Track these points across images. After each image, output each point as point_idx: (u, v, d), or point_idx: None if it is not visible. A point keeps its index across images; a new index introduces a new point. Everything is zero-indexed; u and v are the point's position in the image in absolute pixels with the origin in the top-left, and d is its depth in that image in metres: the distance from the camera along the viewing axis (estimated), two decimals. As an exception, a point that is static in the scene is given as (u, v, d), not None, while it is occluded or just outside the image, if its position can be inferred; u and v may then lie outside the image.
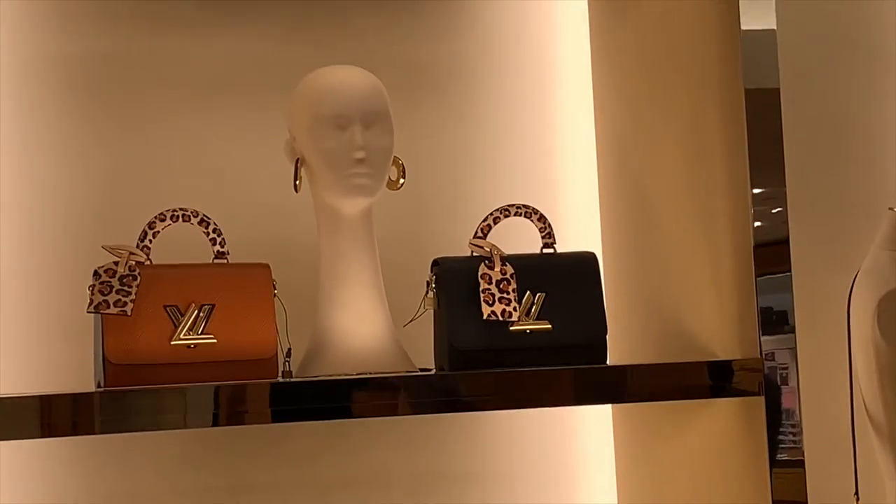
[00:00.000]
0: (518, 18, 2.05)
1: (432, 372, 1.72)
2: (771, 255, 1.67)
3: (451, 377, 1.64)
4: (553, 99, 2.06)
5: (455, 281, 1.70)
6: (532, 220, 1.76)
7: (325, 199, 1.74)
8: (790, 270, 1.67)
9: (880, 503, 1.71)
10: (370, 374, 1.65)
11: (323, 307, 1.74)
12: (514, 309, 1.68)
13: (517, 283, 1.70)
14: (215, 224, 1.68)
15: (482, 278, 1.69)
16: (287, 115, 1.77)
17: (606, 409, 2.02)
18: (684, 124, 1.81)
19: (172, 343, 1.59)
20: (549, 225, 1.76)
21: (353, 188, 1.71)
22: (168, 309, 1.60)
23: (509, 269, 1.70)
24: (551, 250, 1.76)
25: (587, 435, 2.03)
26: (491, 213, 1.75)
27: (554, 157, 2.05)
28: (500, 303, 1.68)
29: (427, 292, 1.72)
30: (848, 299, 1.67)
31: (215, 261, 1.67)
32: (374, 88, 1.74)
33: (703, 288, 1.77)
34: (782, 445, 1.64)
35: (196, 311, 1.61)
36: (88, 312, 1.58)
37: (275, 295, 1.65)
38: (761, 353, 1.65)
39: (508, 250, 1.72)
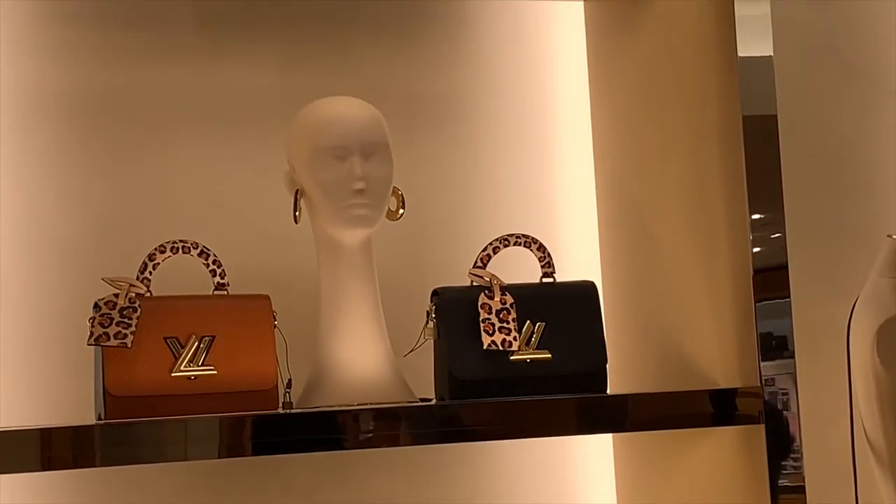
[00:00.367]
0: (517, 49, 2.06)
1: (433, 402, 1.72)
2: (770, 280, 1.67)
3: (451, 407, 1.64)
4: (552, 128, 2.07)
5: (455, 311, 1.70)
6: (531, 250, 1.77)
7: (324, 230, 1.74)
8: (789, 296, 1.67)
9: (882, 530, 1.71)
10: (371, 404, 1.65)
11: (323, 338, 1.74)
12: (515, 338, 1.69)
13: (517, 313, 1.70)
14: (215, 256, 1.68)
15: (482, 308, 1.69)
16: (286, 146, 1.78)
17: (607, 437, 2.02)
18: (682, 151, 1.82)
19: (173, 375, 1.59)
20: (549, 254, 1.77)
21: (353, 219, 1.71)
22: (168, 341, 1.60)
23: (509, 299, 1.70)
24: (551, 279, 1.76)
25: (588, 464, 2.02)
26: (490, 243, 1.75)
27: (553, 186, 2.06)
28: (501, 332, 1.68)
29: (427, 322, 1.72)
30: (847, 326, 1.67)
31: (215, 292, 1.68)
32: (373, 119, 1.75)
33: (703, 314, 1.77)
34: (783, 472, 1.64)
35: (196, 343, 1.61)
36: (89, 345, 1.58)
37: (275, 326, 1.66)
38: (761, 381, 1.65)
39: (508, 280, 1.72)
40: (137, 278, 1.65)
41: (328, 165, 1.71)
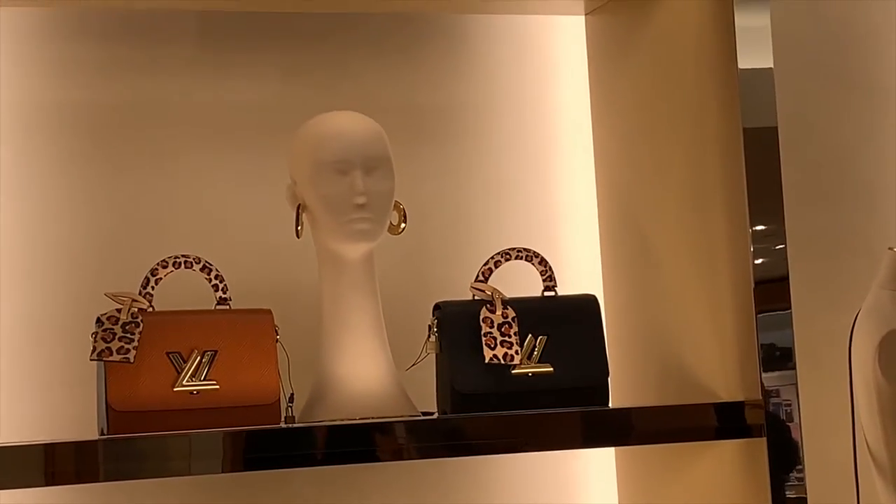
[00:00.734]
0: (518, 62, 2.06)
1: (435, 415, 1.72)
2: (771, 292, 1.67)
3: (453, 421, 1.64)
4: (553, 141, 2.07)
5: (457, 325, 1.70)
6: (533, 264, 1.77)
7: (326, 244, 1.74)
8: (790, 308, 1.67)
9: (885, 542, 1.71)
10: (373, 418, 1.65)
11: (325, 352, 1.74)
12: (516, 352, 1.69)
13: (518, 327, 1.70)
14: (217, 270, 1.69)
15: (484, 322, 1.69)
16: (288, 160, 1.78)
17: (609, 451, 2.02)
18: (683, 163, 1.82)
19: (175, 389, 1.59)
20: (550, 268, 1.77)
21: (355, 233, 1.71)
22: (171, 356, 1.61)
23: (511, 313, 1.70)
24: (552, 293, 1.76)
25: (590, 477, 2.02)
26: (492, 257, 1.76)
27: (554, 199, 2.06)
28: (502, 346, 1.68)
29: (429, 336, 1.72)
30: (849, 338, 1.66)
31: (217, 307, 1.68)
32: (375, 133, 1.75)
33: (704, 326, 1.77)
34: (785, 484, 1.64)
35: (199, 358, 1.61)
36: (91, 360, 1.58)
37: (277, 340, 1.66)
38: (763, 394, 1.65)
39: (510, 293, 1.72)
40: (140, 293, 1.65)
41: (330, 180, 1.72)
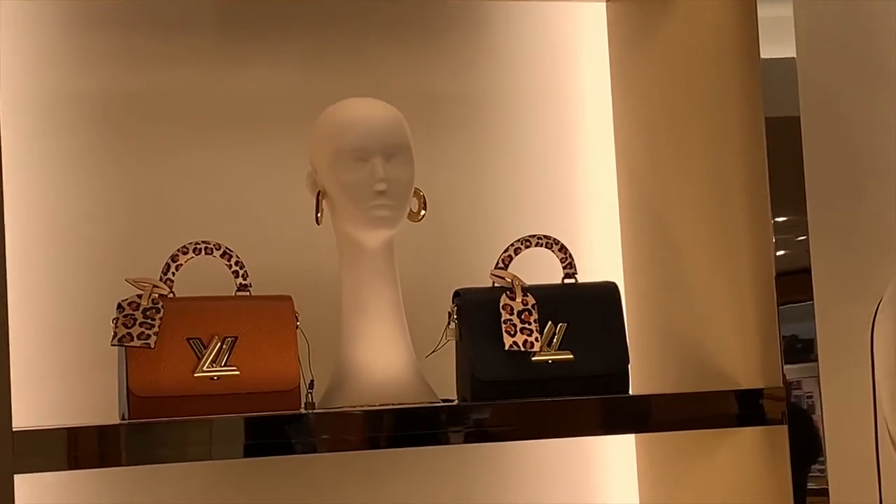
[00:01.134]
0: (538, 49, 2.06)
1: (455, 402, 1.72)
2: (793, 283, 1.67)
3: (473, 408, 1.64)
4: (574, 129, 2.07)
5: (476, 312, 1.70)
6: (553, 251, 1.77)
7: (346, 232, 1.74)
8: (812, 299, 1.67)
9: (905, 532, 1.70)
10: (392, 405, 1.66)
11: (345, 339, 1.74)
12: (536, 339, 1.69)
13: (539, 314, 1.70)
14: (238, 257, 1.69)
15: (504, 309, 1.69)
16: (308, 147, 1.78)
17: (629, 438, 2.02)
18: (705, 153, 1.82)
19: (196, 375, 1.60)
20: (570, 255, 1.77)
21: (375, 220, 1.71)
22: (191, 341, 1.61)
23: (531, 300, 1.70)
24: (572, 280, 1.76)
25: (610, 464, 2.02)
26: (512, 244, 1.76)
27: (575, 187, 2.06)
28: (522, 333, 1.68)
29: (449, 323, 1.72)
30: (871, 329, 1.66)
31: (238, 293, 1.68)
32: (395, 120, 1.75)
33: (725, 317, 1.77)
34: (807, 474, 1.63)
35: (219, 344, 1.61)
36: (112, 345, 1.59)
37: (297, 327, 1.66)
38: (785, 382, 1.65)
39: (530, 281, 1.72)
40: (160, 279, 1.65)
41: (350, 167, 1.71)
